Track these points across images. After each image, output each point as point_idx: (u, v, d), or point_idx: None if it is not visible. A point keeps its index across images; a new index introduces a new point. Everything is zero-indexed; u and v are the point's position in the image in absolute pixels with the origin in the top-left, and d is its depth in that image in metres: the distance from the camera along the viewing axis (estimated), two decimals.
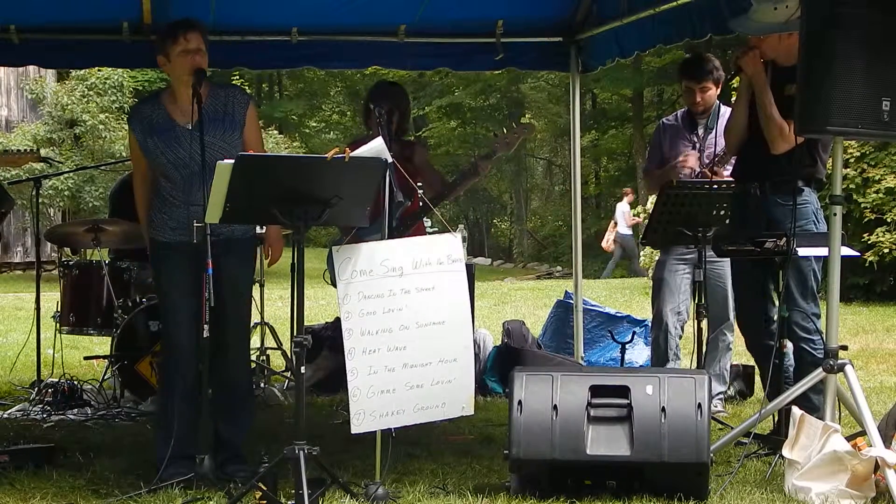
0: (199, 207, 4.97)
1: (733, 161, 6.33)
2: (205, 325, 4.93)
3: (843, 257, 4.99)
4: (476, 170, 6.60)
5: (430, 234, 6.54)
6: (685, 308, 6.79)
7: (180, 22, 5.23)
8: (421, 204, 6.60)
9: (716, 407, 6.62)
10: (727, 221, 5.80)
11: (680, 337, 6.84)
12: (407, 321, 4.77)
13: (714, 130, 6.69)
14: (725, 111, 6.79)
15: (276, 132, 25.73)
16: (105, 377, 7.42)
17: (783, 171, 5.47)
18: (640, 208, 18.25)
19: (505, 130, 6.44)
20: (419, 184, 6.36)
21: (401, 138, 6.72)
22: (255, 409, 5.64)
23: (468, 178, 6.72)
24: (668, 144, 6.95)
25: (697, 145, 6.85)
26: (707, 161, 6.75)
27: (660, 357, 6.75)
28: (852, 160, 13.99)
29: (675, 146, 6.91)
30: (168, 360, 5.34)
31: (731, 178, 6.24)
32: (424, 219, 6.73)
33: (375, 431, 4.83)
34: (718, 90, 6.84)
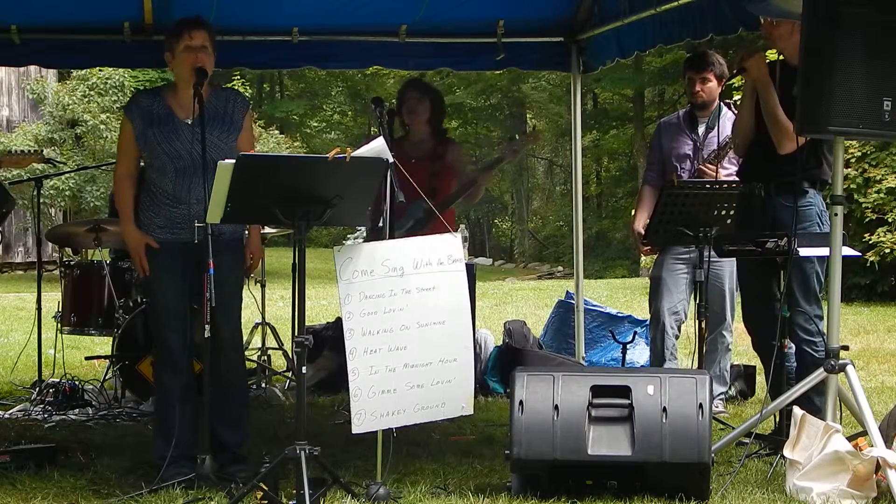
0: (189, 206, 5.03)
1: (735, 160, 6.34)
2: (206, 325, 4.94)
3: (844, 257, 4.98)
4: (477, 180, 6.73)
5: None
6: (683, 308, 6.80)
7: (188, 20, 5.24)
8: (454, 190, 6.70)
9: (717, 407, 6.62)
10: (728, 221, 5.80)
11: (677, 337, 6.84)
12: (407, 321, 4.78)
13: (715, 129, 6.69)
14: (727, 111, 6.80)
15: (277, 132, 25.69)
16: (106, 377, 7.42)
17: (789, 172, 5.47)
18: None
19: (517, 136, 6.56)
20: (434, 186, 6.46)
21: (437, 136, 6.91)
22: (248, 409, 5.63)
23: (469, 188, 6.81)
24: (668, 142, 6.96)
25: (698, 143, 6.85)
26: (706, 159, 6.76)
27: (657, 356, 6.76)
28: (853, 160, 14.00)
29: (675, 144, 6.92)
30: (160, 361, 5.34)
31: (733, 178, 6.24)
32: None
33: (376, 431, 4.83)
34: (721, 86, 6.86)
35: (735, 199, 5.75)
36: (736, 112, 6.32)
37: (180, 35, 5.16)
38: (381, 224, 5.03)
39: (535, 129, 7.24)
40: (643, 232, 6.49)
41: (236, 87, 22.16)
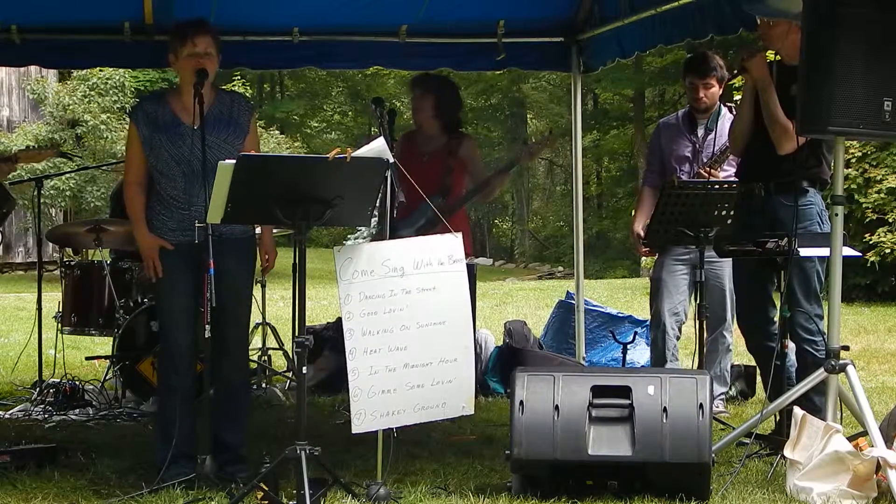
0: (199, 207, 4.99)
1: (734, 161, 6.34)
2: (206, 325, 4.94)
3: (844, 257, 4.98)
4: (491, 182, 6.77)
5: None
6: (683, 308, 6.80)
7: (191, 23, 5.23)
8: (465, 191, 6.71)
9: (717, 407, 6.62)
10: (728, 222, 5.80)
11: (678, 337, 6.84)
12: (408, 321, 4.78)
13: (714, 131, 6.69)
14: (726, 112, 6.80)
15: (277, 132, 25.67)
16: (106, 377, 7.42)
17: (788, 171, 5.48)
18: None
19: (533, 139, 6.59)
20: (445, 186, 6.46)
21: (450, 131, 6.91)
22: (251, 410, 5.63)
23: (483, 190, 6.83)
24: (667, 143, 6.96)
25: (697, 145, 6.85)
26: (705, 161, 6.75)
27: (658, 357, 6.76)
28: (854, 160, 14.00)
29: (674, 145, 6.91)
30: (166, 360, 5.35)
31: (732, 179, 6.24)
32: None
33: (377, 431, 4.83)
34: (721, 89, 6.85)
35: (735, 200, 5.75)
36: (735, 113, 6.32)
37: (184, 41, 5.15)
38: (369, 224, 5.04)
39: (551, 133, 7.29)
40: (642, 233, 6.49)
41: (236, 87, 22.23)
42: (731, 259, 6.22)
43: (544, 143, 7.21)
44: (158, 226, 5.23)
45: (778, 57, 5.70)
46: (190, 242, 5.10)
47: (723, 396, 6.97)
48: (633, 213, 7.07)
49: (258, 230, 5.58)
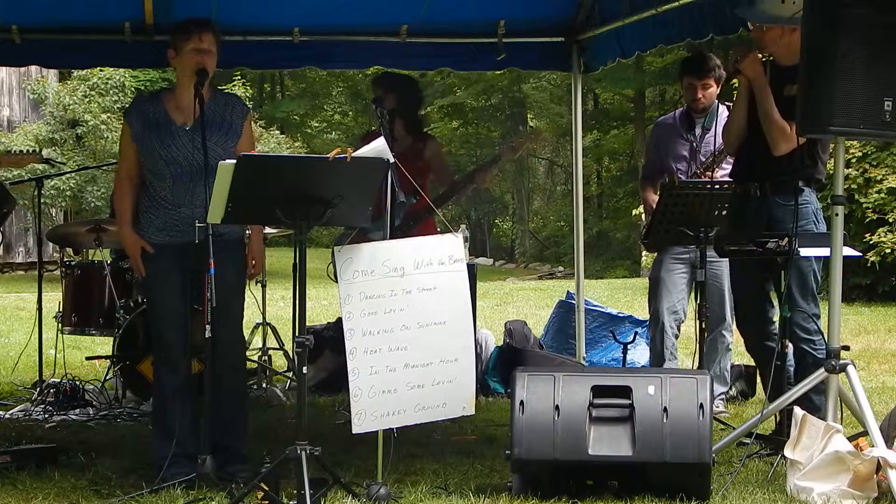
0: (187, 209, 5.04)
1: (731, 161, 6.35)
2: (207, 325, 4.94)
3: (844, 257, 4.98)
4: (473, 179, 6.72)
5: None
6: (682, 307, 6.80)
7: (198, 21, 5.25)
8: (449, 187, 6.68)
9: (717, 407, 6.62)
10: (728, 222, 5.80)
11: (676, 336, 6.84)
12: (408, 321, 4.78)
13: (711, 130, 6.70)
14: (724, 111, 6.80)
15: (277, 132, 25.68)
16: (107, 377, 7.42)
17: (783, 171, 5.48)
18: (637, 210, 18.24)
19: (513, 134, 6.57)
20: (429, 182, 6.39)
21: (414, 131, 6.79)
22: (248, 410, 5.63)
23: (465, 187, 6.80)
24: (664, 143, 6.97)
25: (694, 144, 6.85)
26: (703, 160, 6.76)
27: (657, 356, 6.77)
28: (854, 160, 14.01)
29: (671, 145, 6.92)
30: (158, 360, 5.36)
31: (731, 179, 6.25)
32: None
33: (377, 431, 4.83)
34: (719, 89, 6.86)
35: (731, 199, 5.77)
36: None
37: (189, 36, 5.16)
38: (369, 224, 5.02)
39: (534, 129, 7.24)
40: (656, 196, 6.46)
41: (237, 87, 22.23)
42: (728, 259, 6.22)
43: (529, 138, 7.16)
44: (145, 224, 5.23)
45: (772, 57, 5.70)
46: (177, 243, 5.13)
47: (723, 396, 6.97)
48: (634, 213, 7.08)
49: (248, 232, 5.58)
